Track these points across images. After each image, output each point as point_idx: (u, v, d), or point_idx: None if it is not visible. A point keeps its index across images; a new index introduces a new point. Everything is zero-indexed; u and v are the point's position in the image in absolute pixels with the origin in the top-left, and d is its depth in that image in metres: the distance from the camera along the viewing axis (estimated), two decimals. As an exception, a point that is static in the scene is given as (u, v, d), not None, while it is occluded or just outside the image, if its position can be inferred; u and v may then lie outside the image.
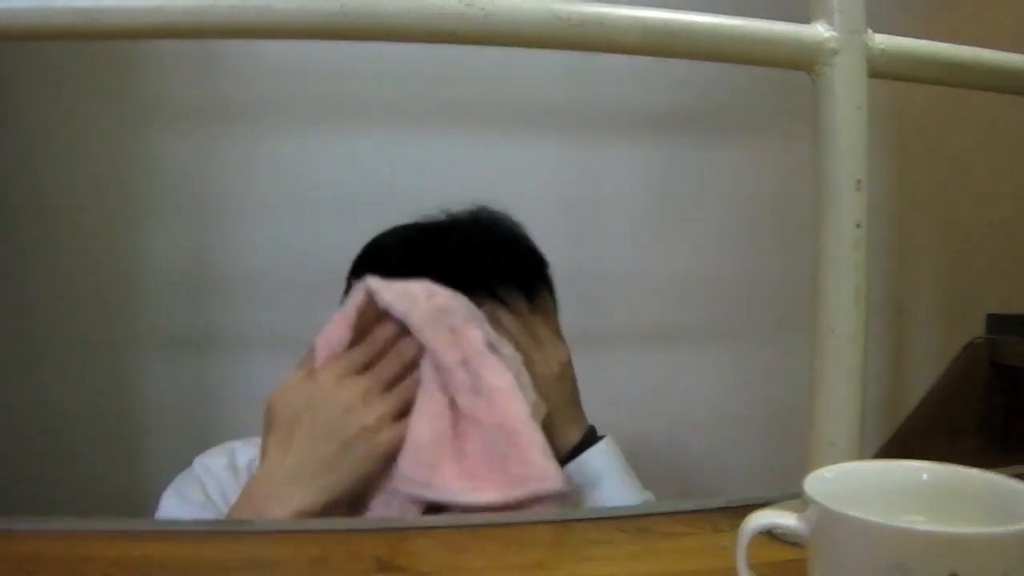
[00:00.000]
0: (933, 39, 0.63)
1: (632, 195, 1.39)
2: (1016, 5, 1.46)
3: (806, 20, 0.60)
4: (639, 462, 1.43)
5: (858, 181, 0.59)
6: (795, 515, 0.43)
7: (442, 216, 0.84)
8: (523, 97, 1.35)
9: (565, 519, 0.67)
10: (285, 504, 0.62)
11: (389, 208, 1.15)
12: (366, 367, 0.66)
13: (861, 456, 0.59)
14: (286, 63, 1.25)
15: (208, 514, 0.75)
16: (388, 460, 0.64)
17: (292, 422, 0.64)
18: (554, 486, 0.63)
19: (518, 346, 0.75)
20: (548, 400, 0.73)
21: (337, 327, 0.67)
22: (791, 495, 0.61)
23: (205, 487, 0.78)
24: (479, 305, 0.72)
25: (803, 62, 0.60)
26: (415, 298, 0.66)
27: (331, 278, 0.88)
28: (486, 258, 0.81)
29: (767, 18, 0.60)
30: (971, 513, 0.43)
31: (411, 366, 0.67)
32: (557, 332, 0.87)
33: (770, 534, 0.50)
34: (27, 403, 1.22)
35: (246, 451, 0.82)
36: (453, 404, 0.65)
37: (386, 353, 0.66)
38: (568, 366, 0.85)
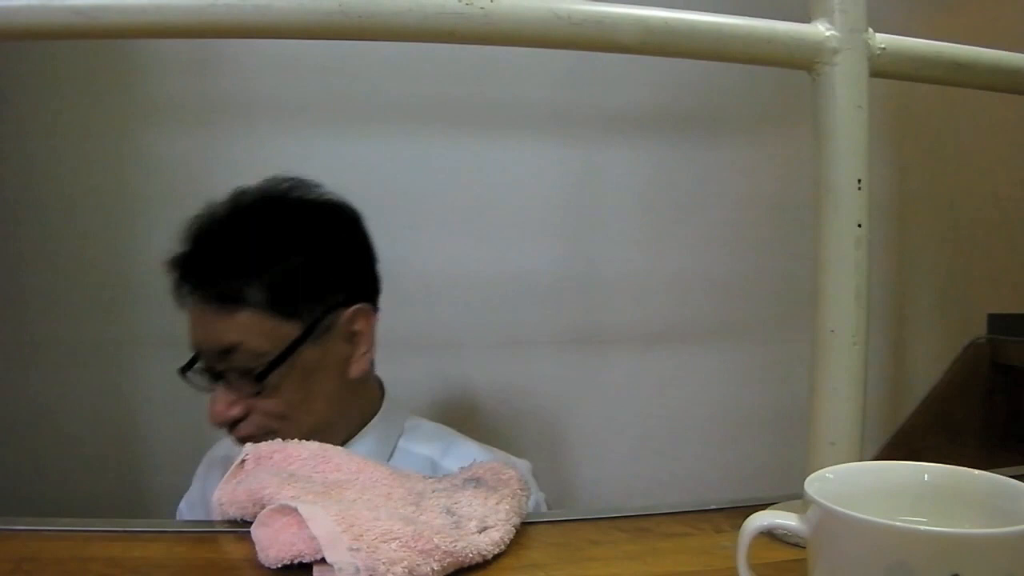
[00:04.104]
0: (934, 39, 0.63)
1: (632, 195, 1.39)
2: (1016, 5, 1.46)
3: (806, 19, 0.60)
4: (640, 462, 1.44)
5: (858, 181, 0.59)
6: (796, 515, 0.43)
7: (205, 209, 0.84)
8: (523, 97, 1.35)
9: (565, 519, 0.67)
10: None
11: (389, 208, 1.15)
12: None
13: (861, 456, 0.59)
14: (285, 62, 1.25)
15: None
16: None
17: None
18: None
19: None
20: None
21: None
22: (791, 495, 0.61)
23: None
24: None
25: (803, 61, 0.59)
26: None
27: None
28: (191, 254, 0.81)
29: (767, 17, 0.60)
30: (972, 513, 0.43)
31: None
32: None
33: (771, 534, 0.50)
34: (26, 403, 1.22)
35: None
36: None
37: None
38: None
